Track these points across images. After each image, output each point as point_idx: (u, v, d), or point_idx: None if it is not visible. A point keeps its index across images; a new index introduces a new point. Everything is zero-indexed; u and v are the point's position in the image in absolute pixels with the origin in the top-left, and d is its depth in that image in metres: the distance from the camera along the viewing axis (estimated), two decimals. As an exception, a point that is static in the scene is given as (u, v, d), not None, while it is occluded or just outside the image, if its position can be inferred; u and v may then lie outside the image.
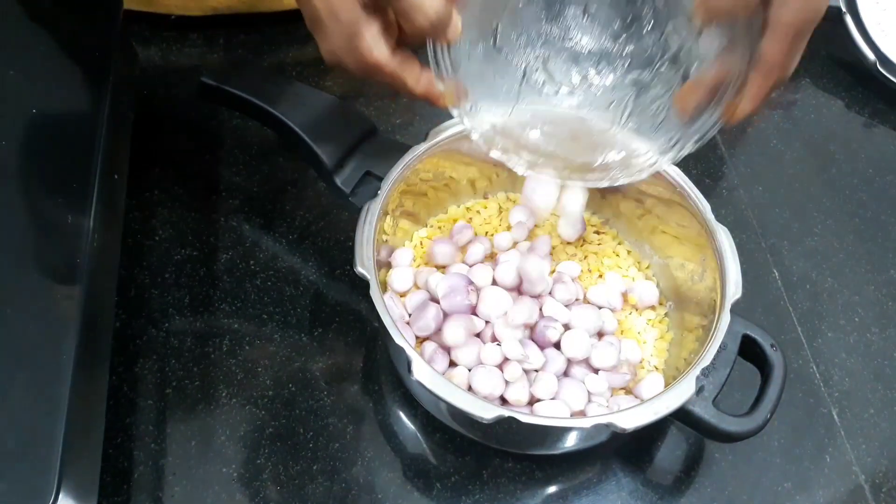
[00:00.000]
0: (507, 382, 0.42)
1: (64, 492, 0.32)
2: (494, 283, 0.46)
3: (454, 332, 0.43)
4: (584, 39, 0.41)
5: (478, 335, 0.44)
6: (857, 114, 0.65)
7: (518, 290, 0.46)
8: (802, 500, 0.45)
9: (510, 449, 0.45)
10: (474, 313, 0.45)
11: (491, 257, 0.49)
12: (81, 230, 0.39)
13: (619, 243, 0.52)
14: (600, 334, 0.46)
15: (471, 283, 0.45)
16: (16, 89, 0.43)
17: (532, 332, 0.44)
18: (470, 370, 0.43)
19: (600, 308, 0.46)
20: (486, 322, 0.44)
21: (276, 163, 0.56)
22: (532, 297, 0.45)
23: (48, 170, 0.41)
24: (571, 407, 0.42)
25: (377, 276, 0.41)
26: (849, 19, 0.65)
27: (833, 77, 0.67)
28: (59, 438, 0.33)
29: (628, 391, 0.45)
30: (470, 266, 0.47)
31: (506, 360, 0.43)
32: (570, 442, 0.43)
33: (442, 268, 0.48)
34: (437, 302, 0.45)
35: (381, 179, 0.45)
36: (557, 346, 0.44)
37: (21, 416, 0.34)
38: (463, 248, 0.49)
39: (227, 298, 0.50)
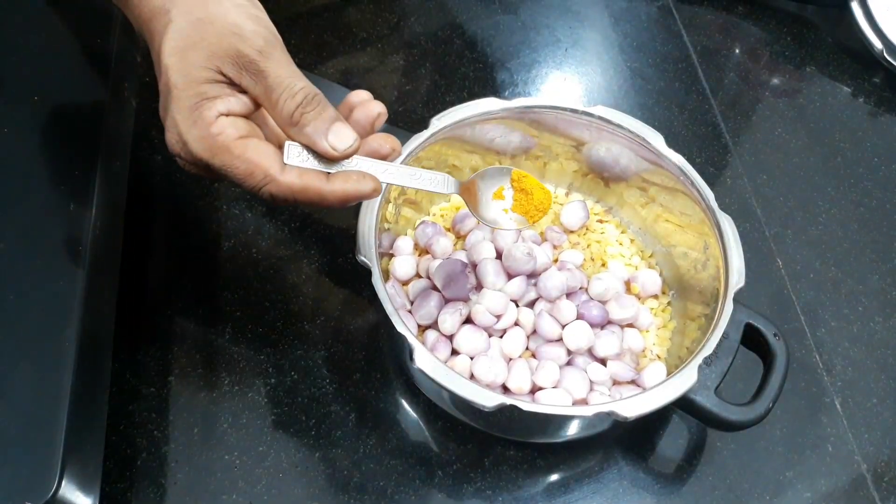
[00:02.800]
0: (509, 360, 0.42)
1: (67, 478, 0.33)
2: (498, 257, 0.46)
3: (451, 319, 0.43)
4: None
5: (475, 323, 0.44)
6: (863, 102, 0.65)
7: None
8: (804, 488, 0.45)
9: (512, 437, 0.45)
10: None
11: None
12: (84, 218, 0.39)
13: (623, 232, 0.51)
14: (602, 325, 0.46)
15: (465, 265, 0.45)
16: (18, 78, 0.43)
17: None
18: (472, 358, 0.43)
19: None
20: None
21: (278, 150, 0.56)
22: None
23: (51, 157, 0.41)
24: (573, 395, 0.42)
25: (379, 265, 0.41)
26: (855, 6, 0.65)
27: (839, 65, 0.67)
28: (62, 425, 0.33)
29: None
30: (469, 248, 0.47)
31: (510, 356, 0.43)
32: (572, 430, 0.43)
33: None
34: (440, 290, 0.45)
35: (383, 167, 0.44)
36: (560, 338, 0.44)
37: (24, 403, 0.34)
38: (464, 236, 0.49)
39: (230, 286, 0.50)
